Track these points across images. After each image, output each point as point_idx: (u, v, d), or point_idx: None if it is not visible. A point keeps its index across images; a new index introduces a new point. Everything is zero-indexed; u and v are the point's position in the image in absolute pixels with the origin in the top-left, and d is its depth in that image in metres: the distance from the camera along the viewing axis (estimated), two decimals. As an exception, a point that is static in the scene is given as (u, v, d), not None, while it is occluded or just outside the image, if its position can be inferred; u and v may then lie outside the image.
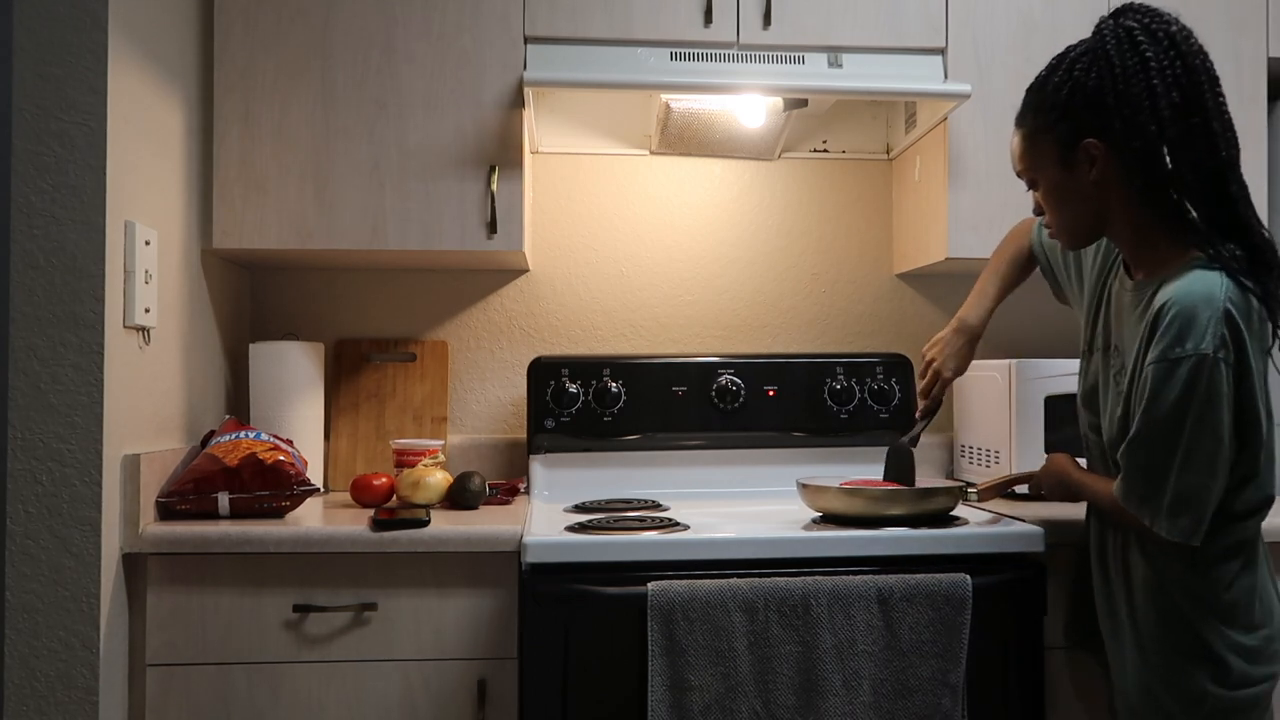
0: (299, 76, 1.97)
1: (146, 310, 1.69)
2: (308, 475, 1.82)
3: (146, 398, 1.74)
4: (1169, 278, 1.43)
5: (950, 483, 1.89)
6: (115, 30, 1.60)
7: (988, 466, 2.15)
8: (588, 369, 2.19)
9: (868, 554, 1.68)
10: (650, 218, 2.42)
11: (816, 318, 2.45)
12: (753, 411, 2.21)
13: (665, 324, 2.42)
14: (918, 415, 1.90)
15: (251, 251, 2.01)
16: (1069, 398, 2.02)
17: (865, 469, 2.21)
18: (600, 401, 2.16)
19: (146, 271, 1.69)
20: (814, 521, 1.79)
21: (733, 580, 1.60)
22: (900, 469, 1.91)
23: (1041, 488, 1.71)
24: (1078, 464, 1.66)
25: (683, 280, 2.43)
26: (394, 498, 1.96)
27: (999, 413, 2.08)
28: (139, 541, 1.65)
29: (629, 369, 2.20)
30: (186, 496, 1.74)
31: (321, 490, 2.17)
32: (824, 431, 2.23)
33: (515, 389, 2.37)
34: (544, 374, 2.18)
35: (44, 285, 1.56)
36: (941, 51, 2.10)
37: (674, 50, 2.03)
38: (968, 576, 1.63)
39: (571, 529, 1.71)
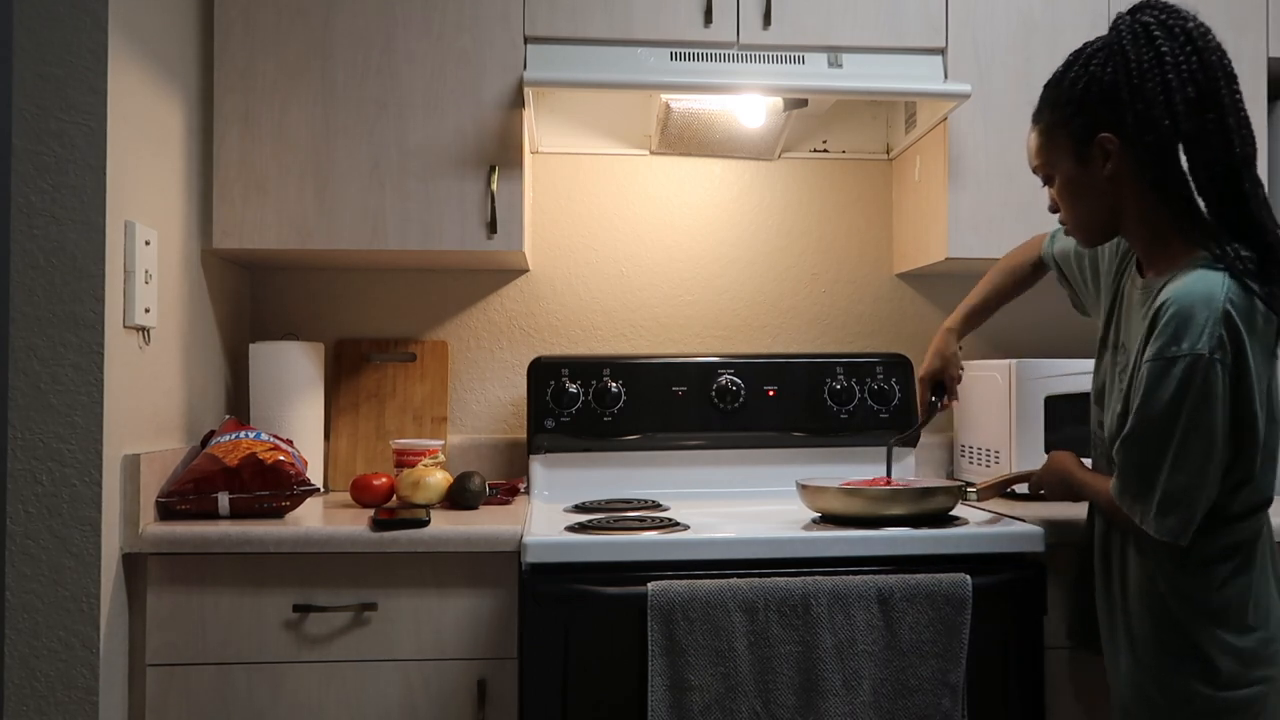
0: (299, 76, 1.97)
1: (146, 310, 1.69)
2: (308, 475, 1.82)
3: (146, 398, 1.74)
4: (1174, 276, 1.43)
5: (950, 483, 1.89)
6: (115, 30, 1.60)
7: (988, 466, 2.15)
8: (588, 369, 2.19)
9: (868, 554, 1.68)
10: (650, 218, 2.42)
11: (816, 318, 2.45)
12: (753, 411, 2.21)
13: (665, 324, 2.42)
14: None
15: (251, 251, 2.01)
16: (1069, 398, 2.02)
17: (865, 469, 2.22)
18: (600, 401, 2.16)
19: (146, 271, 1.69)
20: (814, 521, 1.79)
21: (733, 580, 1.60)
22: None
23: (1042, 486, 1.71)
24: (1081, 462, 1.65)
25: (683, 280, 2.43)
26: (394, 498, 1.96)
27: (999, 413, 2.08)
28: (139, 541, 1.65)
29: (629, 369, 2.20)
30: (186, 496, 1.74)
31: (321, 490, 2.17)
32: (824, 431, 2.23)
33: (515, 389, 2.37)
34: (544, 374, 2.18)
35: (44, 285, 1.56)
36: (941, 51, 2.10)
37: (674, 50, 2.03)
38: (968, 576, 1.63)
39: (571, 529, 1.71)
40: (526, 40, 2.01)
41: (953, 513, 1.83)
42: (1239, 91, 1.42)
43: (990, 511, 1.88)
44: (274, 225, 1.97)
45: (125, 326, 1.65)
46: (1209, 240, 1.42)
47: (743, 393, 2.20)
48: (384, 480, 1.95)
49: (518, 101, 2.00)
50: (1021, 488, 1.91)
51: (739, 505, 2.04)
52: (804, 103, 2.18)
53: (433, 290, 2.36)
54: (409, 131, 1.98)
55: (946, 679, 1.62)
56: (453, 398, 2.37)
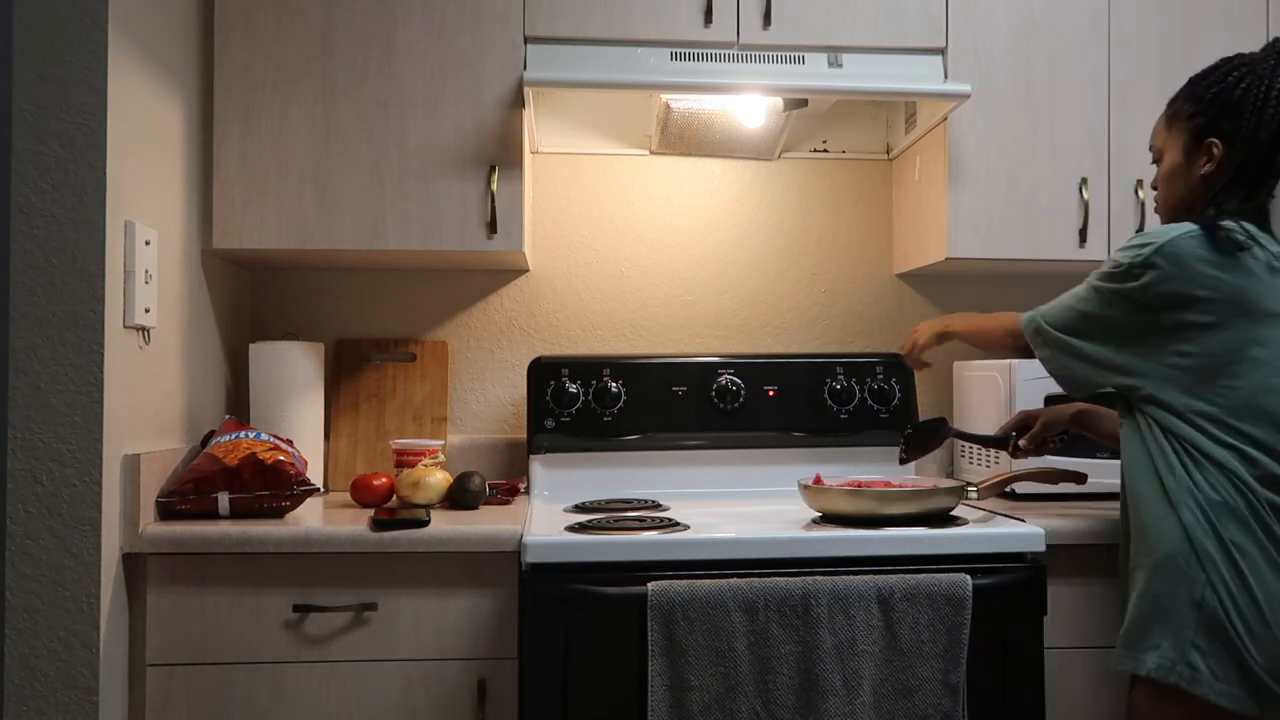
0: (299, 77, 1.97)
1: (146, 310, 1.69)
2: (308, 475, 1.82)
3: (146, 398, 1.74)
4: None
5: (950, 482, 1.89)
6: (115, 30, 1.60)
7: (988, 466, 2.15)
8: (588, 369, 2.19)
9: (868, 554, 1.68)
10: (650, 218, 2.42)
11: (816, 318, 2.45)
12: (753, 411, 2.21)
13: (665, 324, 2.42)
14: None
15: (251, 251, 2.01)
16: (1068, 398, 2.01)
17: (865, 469, 2.22)
18: (600, 401, 2.16)
19: (146, 271, 1.69)
20: (814, 521, 1.79)
21: (733, 580, 1.60)
22: (919, 439, 1.96)
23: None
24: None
25: (683, 280, 2.43)
26: (394, 498, 1.96)
27: (999, 413, 2.08)
28: (139, 541, 1.65)
29: (629, 369, 2.20)
30: (186, 496, 1.74)
31: (321, 490, 2.17)
32: (824, 431, 2.23)
33: (515, 389, 2.37)
34: (544, 374, 2.18)
35: (44, 285, 1.56)
36: (941, 51, 2.10)
37: (674, 50, 2.04)
38: (968, 577, 1.63)
39: (571, 529, 1.71)
40: (526, 40, 2.01)
41: (953, 513, 1.83)
42: None
43: (990, 511, 1.88)
44: (274, 225, 1.97)
45: (125, 326, 1.65)
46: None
47: (743, 393, 2.20)
48: (384, 480, 1.95)
49: (518, 101, 2.00)
50: (1022, 487, 1.91)
51: (739, 505, 2.04)
52: (804, 103, 2.18)
53: (433, 290, 2.36)
54: (409, 131, 1.98)
55: (946, 679, 1.62)
56: (453, 398, 2.37)
